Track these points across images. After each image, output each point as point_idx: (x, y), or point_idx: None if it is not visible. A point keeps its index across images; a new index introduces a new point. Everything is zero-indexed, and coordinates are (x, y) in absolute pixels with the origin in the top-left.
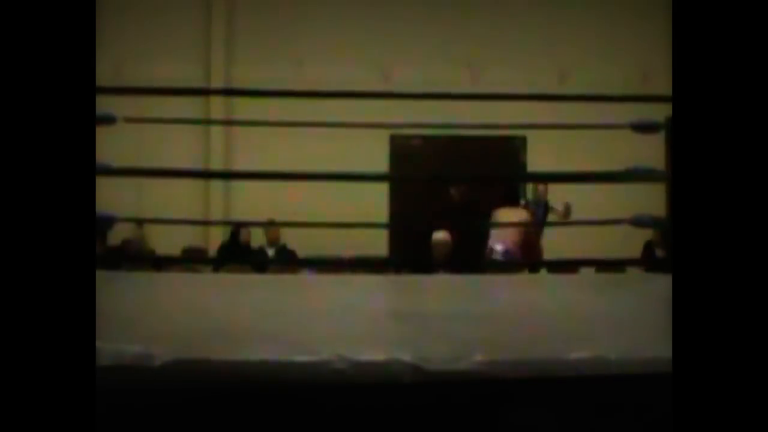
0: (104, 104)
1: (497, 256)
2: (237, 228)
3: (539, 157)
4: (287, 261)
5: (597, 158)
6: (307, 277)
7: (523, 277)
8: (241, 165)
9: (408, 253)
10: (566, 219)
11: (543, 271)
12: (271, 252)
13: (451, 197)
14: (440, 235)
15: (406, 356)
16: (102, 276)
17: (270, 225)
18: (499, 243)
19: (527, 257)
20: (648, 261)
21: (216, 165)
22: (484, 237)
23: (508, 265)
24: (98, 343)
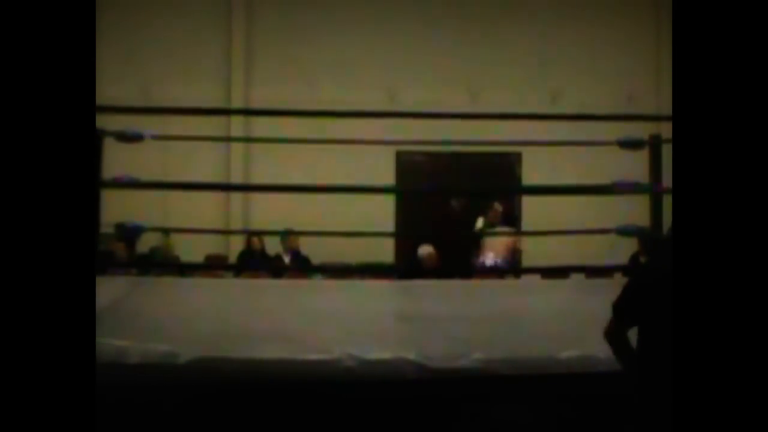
0: (133, 123)
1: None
2: (249, 236)
3: (533, 172)
4: (301, 267)
5: (586, 172)
6: (319, 282)
7: (519, 282)
8: (259, 179)
9: (412, 260)
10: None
11: (537, 277)
12: (287, 259)
13: (452, 208)
14: (427, 249)
15: (410, 355)
16: (131, 281)
17: (286, 234)
18: (489, 257)
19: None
20: (635, 268)
21: (236, 179)
22: (478, 247)
23: (497, 270)
24: (127, 342)
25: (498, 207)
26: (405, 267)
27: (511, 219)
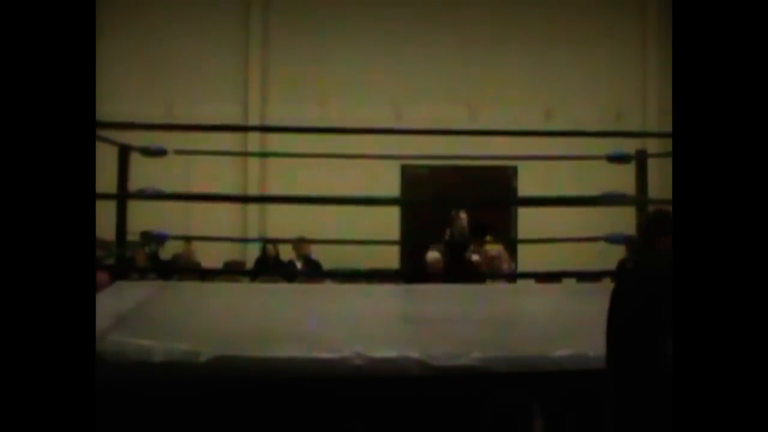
0: (157, 139)
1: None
2: (264, 244)
3: (529, 184)
4: (313, 272)
5: (578, 185)
6: (330, 286)
7: (515, 286)
8: (273, 190)
9: (416, 266)
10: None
11: (532, 281)
12: (299, 264)
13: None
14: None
15: (414, 353)
16: (156, 285)
17: (299, 242)
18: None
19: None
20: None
21: (252, 190)
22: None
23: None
24: (151, 342)
25: (462, 215)
26: (413, 271)
27: (486, 230)
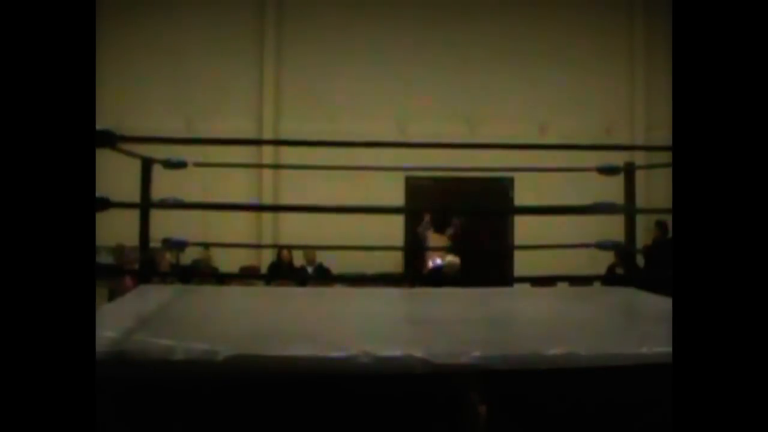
0: (177, 152)
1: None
2: (280, 250)
3: (524, 194)
4: (323, 277)
5: (570, 195)
6: (339, 290)
7: (512, 290)
8: (286, 200)
9: (419, 270)
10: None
11: (527, 284)
12: (310, 269)
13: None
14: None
15: (418, 352)
16: (176, 288)
17: (308, 248)
18: (436, 259)
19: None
20: (612, 277)
21: (266, 200)
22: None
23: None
24: (172, 342)
25: (456, 221)
26: (425, 276)
27: (444, 226)
